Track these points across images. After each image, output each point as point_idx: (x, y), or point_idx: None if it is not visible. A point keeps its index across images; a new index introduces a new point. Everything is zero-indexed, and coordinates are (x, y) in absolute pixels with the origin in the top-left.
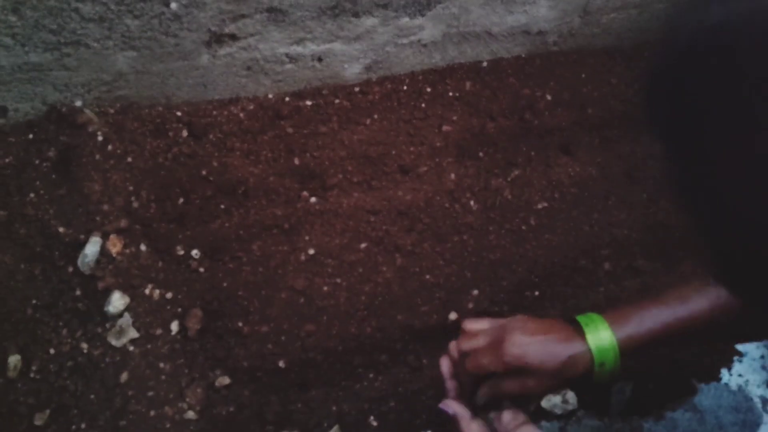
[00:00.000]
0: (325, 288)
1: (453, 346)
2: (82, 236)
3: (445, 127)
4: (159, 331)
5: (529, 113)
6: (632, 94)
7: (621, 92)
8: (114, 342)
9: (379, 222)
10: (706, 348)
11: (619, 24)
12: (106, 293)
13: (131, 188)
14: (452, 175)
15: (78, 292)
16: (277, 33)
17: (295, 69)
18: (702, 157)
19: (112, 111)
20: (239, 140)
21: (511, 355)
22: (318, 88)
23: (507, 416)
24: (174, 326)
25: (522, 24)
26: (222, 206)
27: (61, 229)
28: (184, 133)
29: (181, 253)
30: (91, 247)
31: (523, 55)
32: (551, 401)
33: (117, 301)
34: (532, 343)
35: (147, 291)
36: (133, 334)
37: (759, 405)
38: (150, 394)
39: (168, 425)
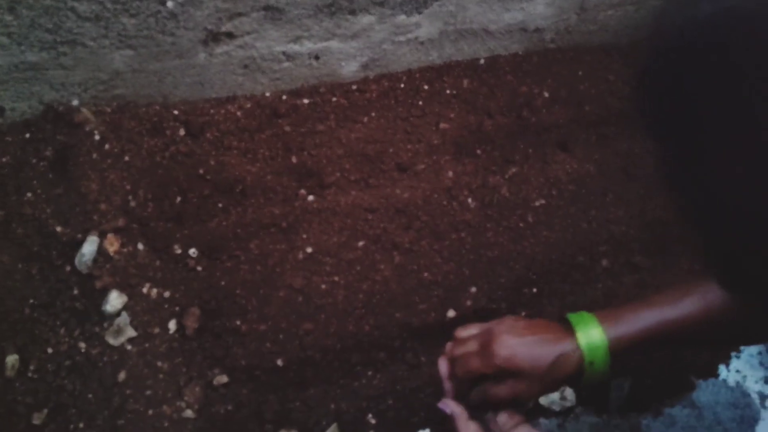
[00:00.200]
0: (323, 286)
1: (450, 347)
2: (80, 235)
3: (442, 125)
4: (157, 330)
5: (527, 110)
6: (629, 91)
7: (618, 89)
8: (112, 341)
9: (376, 220)
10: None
11: (616, 21)
12: (104, 292)
13: (128, 187)
14: (450, 173)
15: (75, 292)
16: (273, 31)
17: (292, 67)
18: (700, 156)
19: (109, 110)
20: (236, 139)
21: (500, 356)
22: (315, 86)
23: (503, 417)
24: (172, 325)
25: (519, 21)
26: (219, 205)
27: (58, 229)
28: (181, 132)
29: (179, 251)
30: (89, 247)
31: (521, 53)
32: (549, 398)
33: (114, 300)
34: (521, 344)
35: (145, 290)
36: (131, 333)
37: (757, 401)
38: (148, 393)
39: (166, 424)
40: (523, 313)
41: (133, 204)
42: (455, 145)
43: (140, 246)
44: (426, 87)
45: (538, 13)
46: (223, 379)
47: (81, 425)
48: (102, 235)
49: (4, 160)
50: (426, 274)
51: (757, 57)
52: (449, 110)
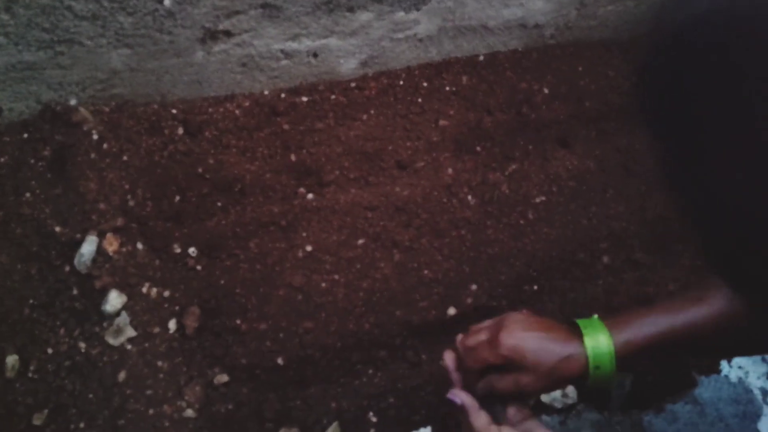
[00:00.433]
0: (323, 285)
1: (460, 339)
2: (79, 235)
3: (441, 122)
4: (157, 330)
5: (526, 107)
6: (629, 87)
7: (618, 85)
8: (112, 341)
9: (376, 218)
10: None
11: (615, 16)
12: (103, 292)
13: (127, 187)
14: (449, 170)
15: (75, 292)
16: (271, 29)
17: (290, 65)
18: (700, 155)
19: (107, 109)
20: (235, 137)
21: (507, 346)
22: (314, 84)
23: (511, 410)
24: (172, 324)
25: (518, 17)
26: (218, 204)
27: (57, 229)
28: (180, 131)
29: (178, 251)
30: (88, 246)
31: (520, 49)
32: (551, 395)
33: (114, 300)
34: (528, 337)
35: (144, 289)
36: (131, 332)
37: (759, 397)
38: (148, 392)
39: (167, 423)
40: (524, 310)
41: (131, 203)
42: (455, 142)
43: (139, 245)
44: (425, 84)
45: (537, 9)
46: (224, 378)
47: (81, 425)
48: (101, 235)
49: (2, 160)
50: (426, 272)
51: (756, 56)
52: (449, 107)
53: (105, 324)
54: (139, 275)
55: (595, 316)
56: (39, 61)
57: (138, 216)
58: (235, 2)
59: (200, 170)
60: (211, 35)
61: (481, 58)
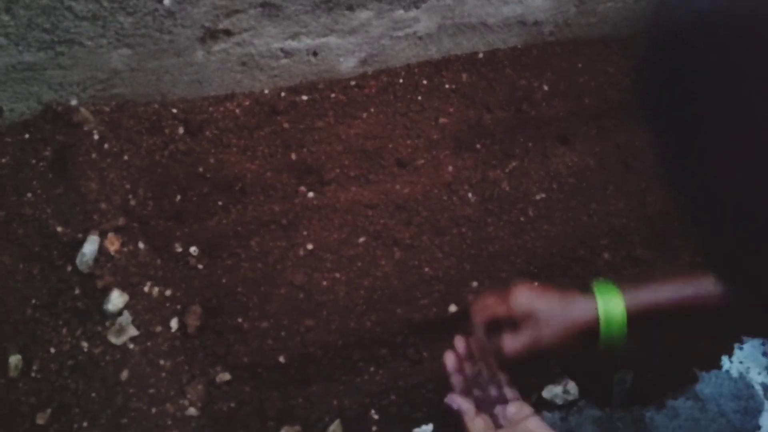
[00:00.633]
0: (324, 283)
1: (458, 339)
2: (80, 235)
3: (441, 120)
4: (159, 329)
5: (526, 104)
6: (629, 84)
7: (618, 81)
8: (114, 340)
9: (377, 216)
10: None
11: (615, 13)
12: (105, 292)
13: (128, 186)
14: (450, 168)
15: (77, 291)
16: (271, 28)
17: (290, 64)
18: (699, 153)
19: (107, 109)
20: (235, 136)
21: (519, 302)
22: (314, 82)
23: (512, 409)
24: (173, 323)
25: (517, 14)
26: (219, 203)
27: (58, 229)
28: (180, 130)
29: (180, 250)
30: (90, 246)
31: (519, 46)
32: (552, 391)
33: (116, 300)
34: (541, 296)
35: (146, 289)
36: (133, 331)
37: (760, 392)
38: (151, 391)
39: (169, 422)
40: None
41: (133, 203)
42: (455, 140)
43: (141, 245)
44: (425, 82)
45: (536, 5)
46: (226, 376)
47: (84, 424)
48: (102, 235)
49: (3, 160)
50: (427, 270)
51: (756, 56)
52: (448, 105)
53: (107, 323)
54: (140, 274)
55: (605, 282)
56: (39, 61)
57: (139, 215)
58: (234, 1)
59: (201, 169)
60: (211, 34)
61: (481, 55)
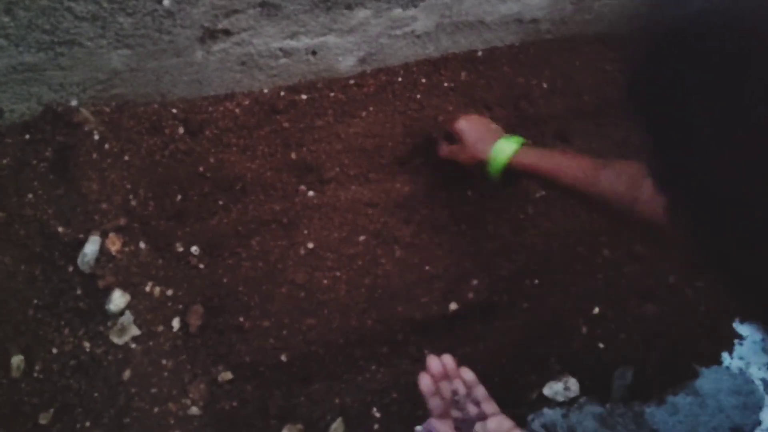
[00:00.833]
0: (325, 281)
1: (431, 359)
2: (81, 235)
3: (441, 118)
4: (160, 328)
5: (525, 102)
6: (623, 84)
7: (615, 79)
8: (116, 340)
9: (377, 214)
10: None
11: (611, 10)
12: (107, 292)
13: (129, 186)
14: (449, 166)
15: (79, 292)
16: (270, 27)
17: (289, 63)
18: (695, 154)
19: (107, 109)
20: (235, 136)
21: (458, 124)
22: (313, 81)
23: (492, 425)
24: (175, 323)
25: (515, 12)
26: (220, 202)
27: (60, 229)
28: (180, 130)
29: (181, 250)
30: (91, 246)
31: (517, 44)
32: (553, 388)
33: (118, 299)
34: (473, 127)
35: (147, 288)
36: (135, 331)
37: (761, 388)
38: (153, 390)
39: (172, 421)
40: (525, 305)
41: (133, 203)
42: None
43: (142, 245)
44: (424, 80)
45: (533, 3)
46: (228, 375)
47: (87, 424)
48: (104, 235)
49: (4, 161)
50: (427, 268)
51: (753, 55)
52: (447, 103)
53: (109, 323)
54: (142, 274)
55: (524, 141)
56: (40, 62)
57: (140, 215)
58: (233, 1)
59: (201, 169)
60: (211, 34)
61: (479, 53)
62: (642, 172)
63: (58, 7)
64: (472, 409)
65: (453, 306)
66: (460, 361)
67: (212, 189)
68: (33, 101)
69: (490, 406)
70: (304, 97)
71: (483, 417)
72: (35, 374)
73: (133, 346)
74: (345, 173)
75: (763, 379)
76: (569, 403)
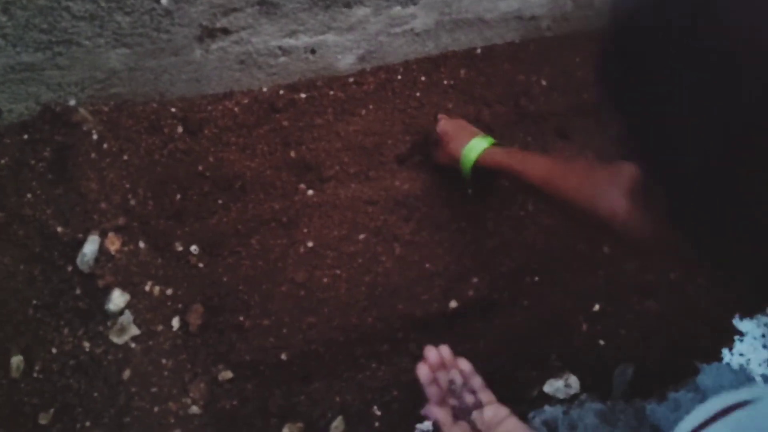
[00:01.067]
0: (325, 280)
1: (429, 349)
2: (81, 235)
3: (440, 116)
4: (160, 328)
5: (525, 99)
6: (593, 75)
7: None
8: (116, 339)
9: (377, 212)
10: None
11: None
12: (107, 291)
13: (128, 186)
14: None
15: (78, 291)
16: (269, 26)
17: (288, 62)
18: (667, 125)
19: (106, 109)
20: (235, 135)
21: (441, 126)
22: (312, 80)
23: (489, 412)
24: (175, 322)
25: (514, 9)
26: (219, 201)
27: (59, 229)
28: (179, 129)
29: (180, 249)
30: (90, 246)
31: (517, 41)
32: (554, 386)
33: (117, 299)
34: (451, 130)
35: (147, 288)
36: (135, 331)
37: (761, 384)
38: (153, 390)
39: (172, 420)
40: (525, 302)
41: (133, 202)
42: None
43: (141, 244)
44: (423, 78)
45: (533, 0)
46: (228, 374)
47: (87, 424)
48: (103, 235)
49: (2, 161)
50: (427, 265)
51: (714, 35)
52: (447, 101)
53: (109, 323)
54: (141, 274)
55: (495, 142)
56: (38, 62)
57: (139, 215)
58: (232, 0)
59: (200, 168)
60: (209, 33)
61: (479, 51)
62: (605, 172)
63: (55, 7)
64: (469, 398)
65: (453, 304)
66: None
67: (212, 188)
68: (31, 101)
69: (486, 395)
70: (303, 95)
71: (479, 405)
72: (35, 374)
73: (133, 345)
74: (345, 171)
75: (763, 375)
76: (570, 400)
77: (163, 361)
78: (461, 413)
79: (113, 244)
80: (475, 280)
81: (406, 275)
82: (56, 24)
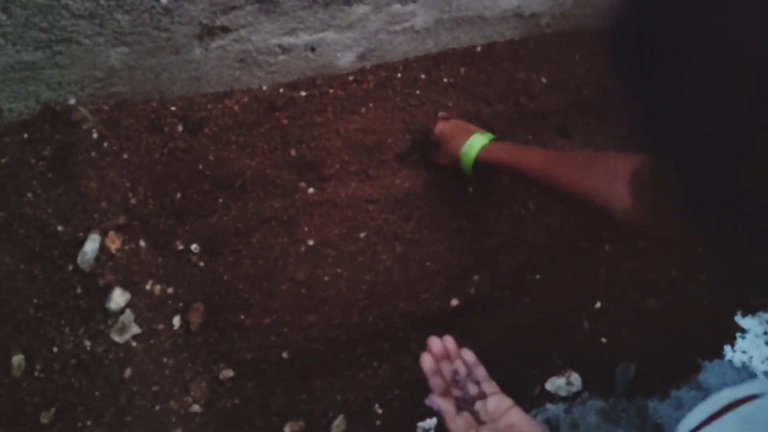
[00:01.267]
0: (326, 278)
1: (433, 340)
2: (81, 234)
3: (440, 114)
4: (161, 327)
5: (525, 97)
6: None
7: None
8: (117, 338)
9: (377, 211)
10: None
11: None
12: (107, 290)
13: (128, 185)
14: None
15: (79, 290)
16: (268, 24)
17: (288, 60)
18: (686, 90)
19: (106, 108)
20: (235, 133)
21: (440, 128)
22: (312, 78)
23: (492, 403)
24: (176, 321)
25: (514, 7)
26: (220, 200)
27: (59, 228)
28: (179, 128)
29: (181, 248)
30: (91, 245)
31: (517, 39)
32: (555, 384)
33: (118, 298)
34: (449, 130)
35: (148, 287)
36: (136, 330)
37: (765, 379)
38: (154, 389)
39: (174, 419)
40: (527, 300)
41: (133, 201)
42: None
43: (142, 243)
44: (423, 76)
45: None
46: (229, 373)
47: (89, 423)
48: (103, 233)
49: (3, 161)
50: (428, 264)
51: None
52: (447, 99)
53: (110, 322)
54: (142, 273)
55: (495, 137)
56: (37, 60)
57: (140, 214)
58: None
59: (201, 167)
60: (209, 31)
61: (479, 48)
62: (604, 162)
63: (55, 5)
64: (473, 389)
65: (454, 302)
66: None
67: (212, 187)
68: (31, 100)
69: (490, 386)
70: (303, 93)
71: (483, 396)
72: (36, 373)
73: (134, 344)
74: (345, 170)
75: (766, 372)
76: (572, 398)
77: (164, 359)
78: (465, 404)
79: (114, 243)
80: (476, 278)
81: (407, 274)
82: (56, 22)
